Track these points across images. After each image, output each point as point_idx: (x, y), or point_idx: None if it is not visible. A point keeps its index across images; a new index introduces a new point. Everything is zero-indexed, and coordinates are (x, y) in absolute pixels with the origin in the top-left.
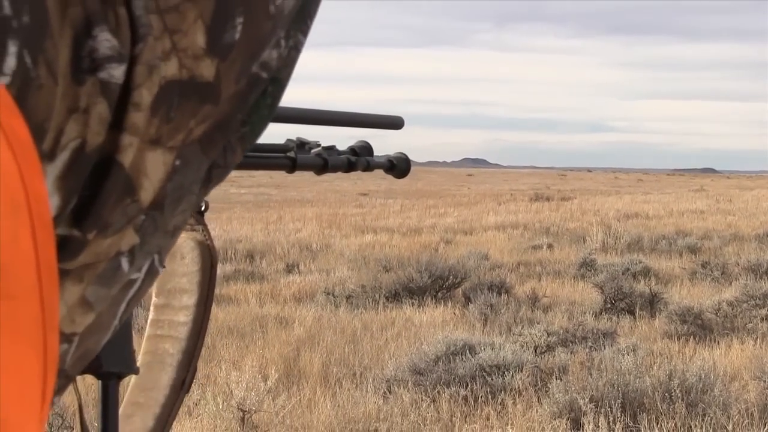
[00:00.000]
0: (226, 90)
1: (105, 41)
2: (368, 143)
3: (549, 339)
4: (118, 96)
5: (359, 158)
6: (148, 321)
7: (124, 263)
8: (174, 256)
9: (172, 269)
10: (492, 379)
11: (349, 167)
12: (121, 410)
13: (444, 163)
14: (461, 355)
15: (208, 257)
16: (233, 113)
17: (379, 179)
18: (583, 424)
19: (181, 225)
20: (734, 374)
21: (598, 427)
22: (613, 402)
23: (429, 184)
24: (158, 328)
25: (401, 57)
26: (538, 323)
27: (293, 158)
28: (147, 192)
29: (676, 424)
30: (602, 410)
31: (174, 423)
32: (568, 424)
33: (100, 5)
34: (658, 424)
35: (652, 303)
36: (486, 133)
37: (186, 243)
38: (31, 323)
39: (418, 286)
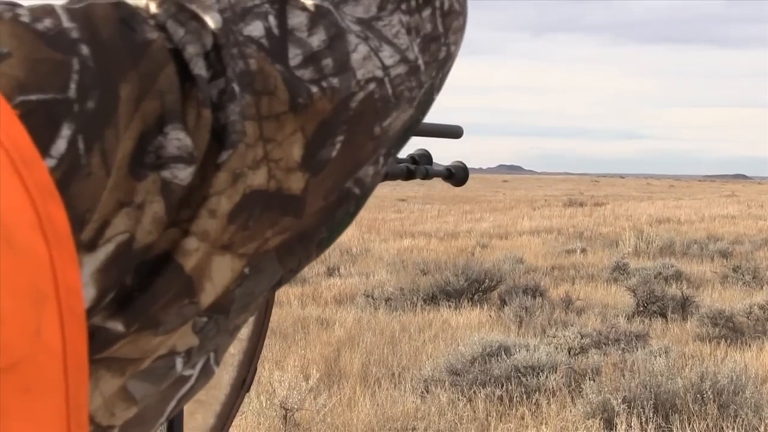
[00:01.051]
0: (312, 204)
1: (176, 140)
2: (428, 151)
3: (582, 341)
4: (189, 198)
5: (418, 167)
6: None
7: (179, 363)
8: None
9: None
10: (527, 380)
11: (408, 176)
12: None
13: (480, 170)
14: (497, 356)
15: None
16: (318, 226)
17: (417, 185)
18: (616, 424)
19: (242, 324)
20: (766, 376)
21: (631, 427)
22: (645, 403)
23: (465, 190)
24: None
25: None
26: (572, 325)
27: None
28: (208, 295)
29: (707, 425)
30: (635, 411)
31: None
32: (602, 424)
33: (181, 103)
34: (690, 424)
35: (684, 306)
36: (521, 140)
37: None
38: (53, 417)
39: (455, 289)
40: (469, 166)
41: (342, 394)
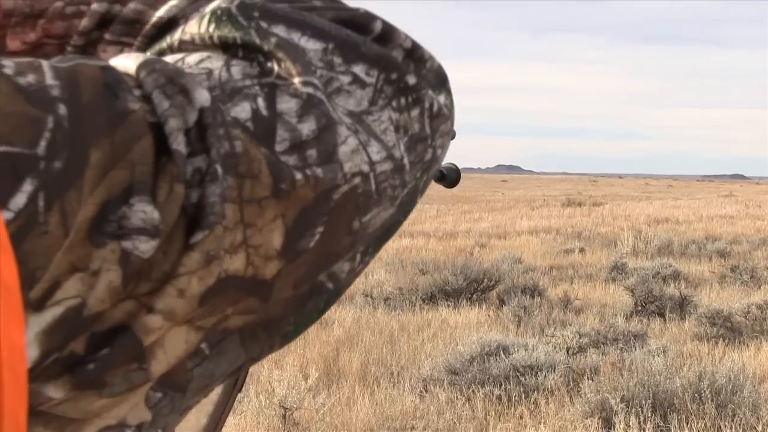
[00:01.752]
0: (280, 291)
1: (141, 212)
2: None
3: (581, 340)
4: (150, 272)
5: None
6: None
7: None
8: None
9: None
10: (525, 379)
11: None
12: None
13: (478, 170)
14: (495, 355)
15: None
16: (285, 315)
17: None
18: (615, 423)
19: (193, 405)
20: (764, 376)
21: (629, 426)
22: (643, 402)
23: (464, 190)
24: None
25: None
26: (570, 325)
27: None
28: (159, 363)
29: (705, 424)
30: (633, 410)
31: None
32: (600, 423)
33: (153, 176)
34: (688, 424)
35: (682, 306)
36: (520, 140)
37: None
38: None
39: (454, 288)
40: (467, 166)
41: (341, 393)
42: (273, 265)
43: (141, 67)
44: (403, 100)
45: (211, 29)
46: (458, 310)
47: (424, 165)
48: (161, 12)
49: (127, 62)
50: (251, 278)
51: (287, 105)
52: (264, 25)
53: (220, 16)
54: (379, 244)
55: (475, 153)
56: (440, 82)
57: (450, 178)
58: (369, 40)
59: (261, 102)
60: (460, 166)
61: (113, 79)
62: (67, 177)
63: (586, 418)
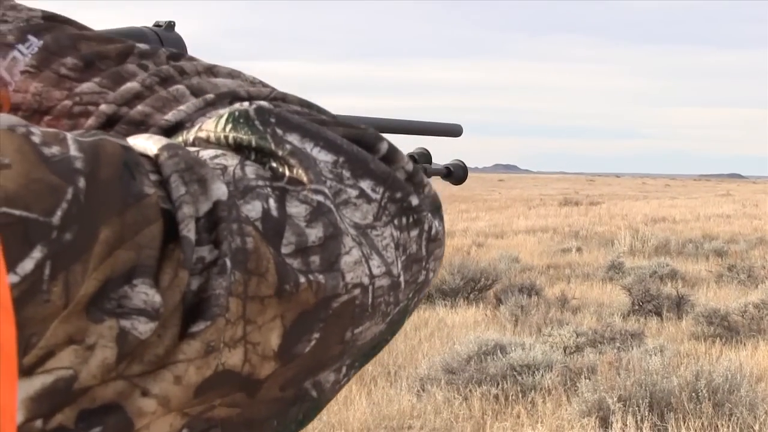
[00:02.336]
0: (267, 390)
1: (143, 294)
2: (427, 150)
3: (578, 339)
4: (143, 354)
5: (416, 165)
6: None
7: None
8: None
9: None
10: (522, 379)
11: None
12: None
13: (476, 169)
14: (492, 354)
15: None
16: (269, 417)
17: None
18: (612, 422)
19: None
20: (761, 375)
21: (626, 425)
22: (640, 401)
23: (461, 189)
24: None
25: (437, 66)
26: (568, 324)
27: None
28: None
29: (703, 424)
30: (630, 409)
31: None
32: (597, 422)
33: (158, 260)
34: (685, 423)
35: (679, 305)
36: (517, 139)
37: None
38: None
39: (451, 287)
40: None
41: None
42: (269, 365)
43: (163, 149)
44: (404, 220)
45: (227, 129)
46: (455, 310)
47: (417, 286)
48: (168, 116)
49: (148, 143)
50: (247, 376)
51: (297, 209)
52: (279, 132)
53: (237, 118)
54: (365, 361)
55: (473, 152)
56: (436, 208)
57: (457, 175)
58: (376, 158)
59: (272, 203)
60: None
61: (132, 160)
62: (76, 250)
63: (583, 418)
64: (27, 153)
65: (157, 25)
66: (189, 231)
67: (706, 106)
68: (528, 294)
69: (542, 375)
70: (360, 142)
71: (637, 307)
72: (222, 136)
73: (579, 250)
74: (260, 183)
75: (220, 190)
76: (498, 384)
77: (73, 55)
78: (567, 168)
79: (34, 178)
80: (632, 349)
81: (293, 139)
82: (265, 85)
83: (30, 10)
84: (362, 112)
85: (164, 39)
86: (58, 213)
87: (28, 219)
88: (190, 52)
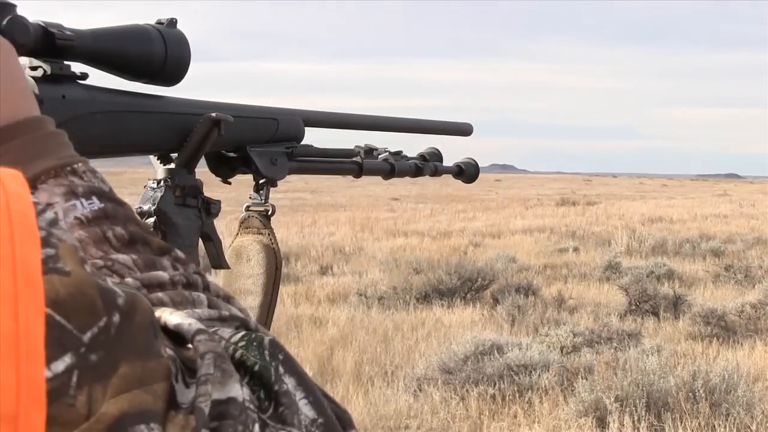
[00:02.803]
0: None
1: None
2: (438, 150)
3: (575, 339)
4: None
5: (427, 163)
6: None
7: None
8: (240, 257)
9: (238, 270)
10: (519, 378)
11: (416, 172)
12: None
13: None
14: (489, 354)
15: (273, 261)
16: None
17: (410, 184)
18: (609, 422)
19: None
20: (758, 375)
21: (623, 425)
22: (637, 401)
23: (458, 189)
24: None
25: (435, 66)
26: (565, 324)
27: (360, 163)
28: None
29: (699, 424)
30: (627, 409)
31: None
32: (594, 422)
33: (163, 416)
34: (682, 423)
35: (676, 305)
36: (514, 139)
37: (252, 246)
38: None
39: (448, 287)
40: None
41: (335, 392)
42: None
43: (203, 330)
44: None
45: (239, 344)
46: (452, 310)
47: None
48: (182, 312)
49: (190, 319)
50: None
51: None
52: (282, 370)
53: (252, 340)
54: None
55: (469, 152)
56: None
57: (468, 173)
58: None
59: (257, 428)
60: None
61: (157, 323)
62: (98, 371)
63: (580, 418)
64: (83, 276)
65: (159, 22)
66: (206, 405)
67: (704, 106)
68: (525, 294)
69: (539, 375)
70: (339, 417)
71: (634, 307)
72: (231, 348)
73: (576, 250)
74: (251, 407)
75: (238, 391)
76: (495, 384)
77: (123, 228)
78: (564, 168)
79: (84, 292)
80: (629, 349)
81: (290, 381)
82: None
83: (103, 182)
84: (363, 112)
85: (166, 35)
86: (89, 334)
87: (64, 327)
88: (193, 53)
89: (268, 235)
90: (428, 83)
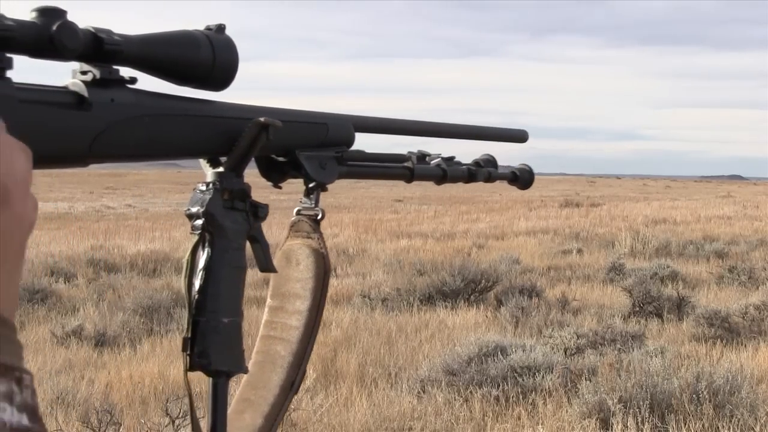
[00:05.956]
0: None
1: None
2: (493, 156)
3: (579, 341)
4: None
5: (480, 169)
6: (263, 321)
7: None
8: (290, 261)
9: (287, 274)
10: (523, 380)
11: (469, 178)
12: (232, 405)
13: None
14: (493, 356)
15: (322, 265)
16: None
17: (414, 186)
18: (612, 424)
19: None
20: (761, 376)
21: (627, 427)
22: (641, 403)
23: (462, 191)
24: (271, 329)
25: (440, 68)
26: (568, 326)
27: (411, 168)
28: None
29: (703, 425)
30: (631, 411)
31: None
32: (598, 424)
33: None
34: (686, 424)
35: (680, 306)
36: None
37: (302, 250)
38: None
39: (452, 289)
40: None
41: (339, 394)
42: None
43: None
44: None
45: None
46: (456, 311)
47: None
48: None
49: None
50: None
51: None
52: None
53: None
54: None
55: (472, 154)
56: None
57: (523, 179)
58: None
59: None
60: None
61: None
62: None
63: (584, 419)
64: None
65: (208, 28)
66: None
67: (707, 108)
68: (529, 295)
69: (543, 376)
70: None
71: (637, 309)
72: None
73: (580, 251)
74: None
75: None
76: (499, 385)
77: None
78: (568, 170)
79: None
80: (633, 350)
81: None
82: None
83: (37, 405)
84: (364, 113)
85: (214, 41)
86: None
87: None
88: None
89: (318, 239)
90: (431, 84)
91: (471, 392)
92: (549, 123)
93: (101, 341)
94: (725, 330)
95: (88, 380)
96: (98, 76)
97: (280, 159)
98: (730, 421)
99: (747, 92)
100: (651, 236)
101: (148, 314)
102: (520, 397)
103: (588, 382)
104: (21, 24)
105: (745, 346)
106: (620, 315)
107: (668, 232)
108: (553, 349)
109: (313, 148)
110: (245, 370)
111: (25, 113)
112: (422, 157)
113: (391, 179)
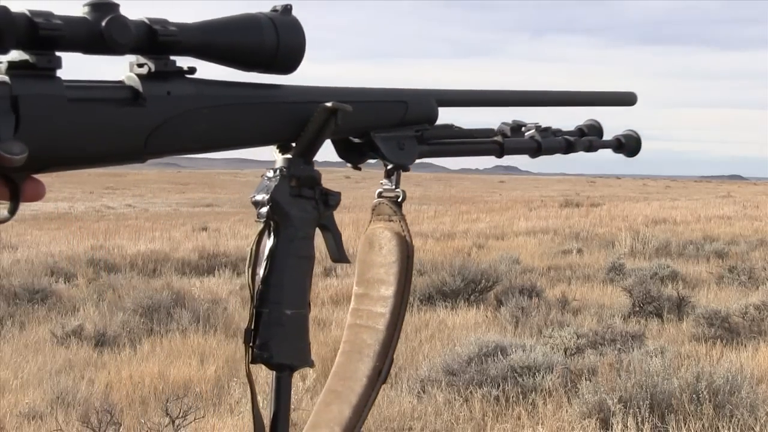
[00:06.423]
0: None
1: None
2: (598, 123)
3: (579, 341)
4: None
5: (579, 139)
6: (349, 309)
7: None
8: (373, 246)
9: (371, 259)
10: (523, 380)
11: (567, 148)
12: (321, 397)
13: (476, 170)
14: (493, 356)
15: (405, 249)
16: None
17: (413, 186)
18: (612, 424)
19: None
20: (761, 377)
21: (627, 427)
22: (641, 403)
23: (462, 191)
24: (357, 318)
25: (440, 68)
26: (568, 326)
27: (500, 143)
28: None
29: (703, 425)
30: (631, 411)
31: (365, 415)
32: (598, 424)
33: None
34: (686, 424)
35: (680, 306)
36: None
37: (384, 234)
38: None
39: (452, 289)
40: (464, 167)
41: None
42: None
43: None
44: None
45: None
46: (456, 311)
47: None
48: None
49: None
50: None
51: None
52: None
53: None
54: None
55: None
56: None
57: (629, 146)
58: None
59: None
60: (456, 167)
61: None
62: None
63: (584, 419)
64: None
65: (273, 10)
66: None
67: (707, 108)
68: (528, 295)
69: (543, 376)
70: None
71: (637, 309)
72: None
73: (580, 251)
74: None
75: None
76: (499, 385)
77: None
78: (568, 170)
79: None
80: (633, 350)
81: None
82: None
83: None
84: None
85: (278, 23)
86: None
87: None
88: None
89: (399, 222)
90: (433, 84)
91: (471, 392)
92: (549, 123)
93: (101, 341)
94: (725, 330)
95: (88, 380)
96: (153, 69)
97: (357, 141)
98: (730, 421)
99: (747, 92)
100: (651, 236)
101: (148, 314)
102: (520, 397)
103: (588, 382)
104: (70, 21)
105: (745, 346)
106: (620, 315)
107: (668, 232)
108: (553, 349)
109: (391, 127)
110: (311, 364)
111: (74, 112)
112: (517, 128)
113: (480, 155)
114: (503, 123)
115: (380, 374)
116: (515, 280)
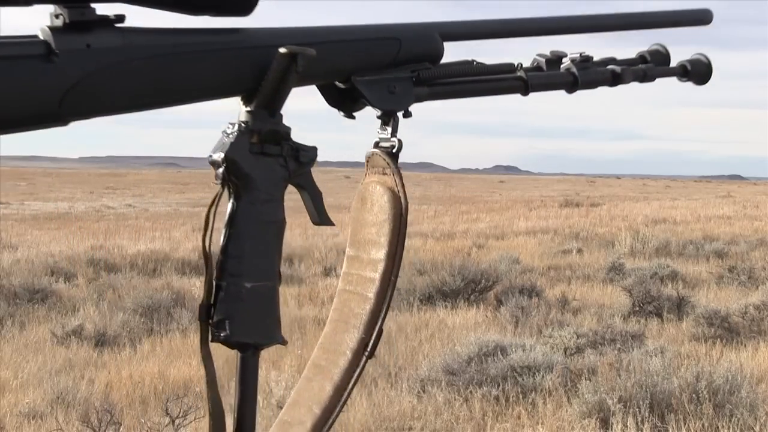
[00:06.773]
0: None
1: None
2: (664, 48)
3: (578, 341)
4: None
5: (629, 68)
6: (341, 273)
7: None
8: (365, 203)
9: (363, 218)
10: (523, 380)
11: (614, 80)
12: (304, 372)
13: (476, 170)
14: (493, 356)
15: (398, 206)
16: None
17: (413, 186)
18: (612, 423)
19: None
20: (761, 376)
21: (627, 426)
22: (641, 402)
23: (462, 191)
24: (347, 283)
25: None
26: (568, 325)
27: (524, 78)
28: None
29: (703, 425)
30: (630, 410)
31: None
32: (597, 423)
33: None
34: (685, 424)
35: (680, 306)
36: (517, 141)
37: (375, 189)
38: None
39: (452, 289)
40: (465, 167)
41: None
42: None
43: None
44: None
45: None
46: (456, 311)
47: None
48: None
49: None
50: None
51: None
52: None
53: None
54: None
55: (473, 154)
56: None
57: (697, 71)
58: None
59: None
60: (456, 167)
61: None
62: None
63: (584, 419)
64: None
65: None
66: None
67: (707, 108)
68: (528, 295)
69: (543, 376)
70: None
71: (637, 309)
72: None
73: (579, 251)
74: None
75: None
76: (498, 385)
77: None
78: (568, 169)
79: None
80: (633, 350)
81: None
82: None
83: None
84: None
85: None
86: None
87: None
88: None
89: (392, 175)
90: None
91: (471, 392)
92: (549, 123)
93: (101, 341)
94: (725, 330)
95: (88, 380)
96: (68, 19)
97: (343, 86)
98: (730, 421)
99: (747, 92)
100: (651, 236)
101: (148, 314)
102: (520, 396)
103: (588, 381)
104: None
105: (745, 345)
106: (620, 315)
107: (668, 231)
108: (552, 348)
109: (379, 69)
110: (280, 341)
111: None
112: (556, 60)
113: (498, 94)
114: (538, 54)
115: (366, 347)
116: (515, 279)
